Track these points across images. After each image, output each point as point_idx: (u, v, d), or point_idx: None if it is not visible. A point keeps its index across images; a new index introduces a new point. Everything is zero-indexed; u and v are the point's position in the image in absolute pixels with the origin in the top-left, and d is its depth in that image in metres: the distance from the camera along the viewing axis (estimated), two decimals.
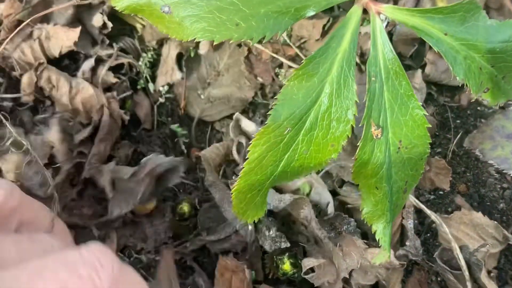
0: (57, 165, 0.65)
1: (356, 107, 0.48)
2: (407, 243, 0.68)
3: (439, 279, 0.72)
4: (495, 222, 0.69)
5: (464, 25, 0.48)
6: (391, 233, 0.56)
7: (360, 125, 0.48)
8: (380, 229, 0.53)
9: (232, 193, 0.49)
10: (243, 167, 0.47)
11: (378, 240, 0.54)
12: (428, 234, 0.74)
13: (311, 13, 0.47)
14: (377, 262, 0.56)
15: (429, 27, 0.47)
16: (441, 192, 0.76)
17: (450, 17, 0.47)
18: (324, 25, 0.76)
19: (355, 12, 0.47)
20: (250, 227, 0.63)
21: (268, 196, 0.60)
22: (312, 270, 0.64)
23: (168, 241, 0.69)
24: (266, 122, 0.46)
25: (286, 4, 0.46)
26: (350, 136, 0.49)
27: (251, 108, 0.78)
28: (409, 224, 0.70)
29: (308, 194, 0.70)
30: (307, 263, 0.63)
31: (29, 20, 0.67)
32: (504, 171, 0.61)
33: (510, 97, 0.61)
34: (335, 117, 0.48)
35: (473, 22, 0.48)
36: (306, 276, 0.60)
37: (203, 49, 0.76)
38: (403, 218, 0.71)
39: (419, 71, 0.75)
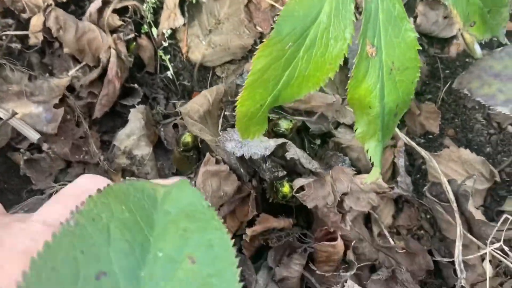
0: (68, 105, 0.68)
1: (353, 26, 0.51)
2: (398, 179, 0.72)
3: (428, 216, 0.75)
4: (483, 158, 0.73)
5: None
6: (382, 157, 0.59)
7: (356, 42, 0.51)
8: (372, 148, 0.57)
9: (236, 107, 0.52)
10: (246, 78, 0.50)
11: (370, 158, 0.57)
12: (418, 175, 0.78)
13: None
14: (368, 181, 0.59)
15: None
16: (430, 136, 0.80)
17: None
18: None
19: None
20: None
21: (254, 147, 0.64)
22: (303, 189, 0.66)
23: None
24: (270, 34, 0.49)
25: None
26: (346, 55, 0.52)
27: (250, 56, 0.81)
28: (400, 162, 0.74)
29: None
30: (298, 182, 0.66)
31: None
32: (491, 108, 0.64)
33: (495, 33, 0.65)
34: (333, 35, 0.51)
35: None
36: (297, 195, 0.63)
37: None
38: (394, 156, 0.75)
39: (411, 19, 0.79)
